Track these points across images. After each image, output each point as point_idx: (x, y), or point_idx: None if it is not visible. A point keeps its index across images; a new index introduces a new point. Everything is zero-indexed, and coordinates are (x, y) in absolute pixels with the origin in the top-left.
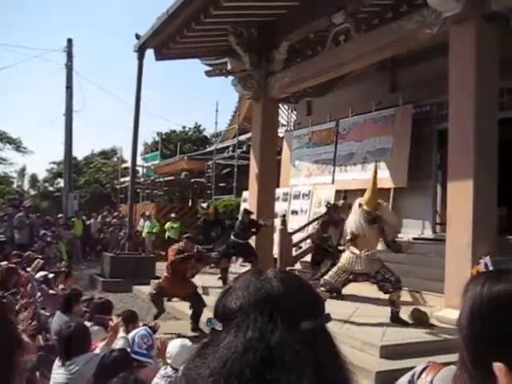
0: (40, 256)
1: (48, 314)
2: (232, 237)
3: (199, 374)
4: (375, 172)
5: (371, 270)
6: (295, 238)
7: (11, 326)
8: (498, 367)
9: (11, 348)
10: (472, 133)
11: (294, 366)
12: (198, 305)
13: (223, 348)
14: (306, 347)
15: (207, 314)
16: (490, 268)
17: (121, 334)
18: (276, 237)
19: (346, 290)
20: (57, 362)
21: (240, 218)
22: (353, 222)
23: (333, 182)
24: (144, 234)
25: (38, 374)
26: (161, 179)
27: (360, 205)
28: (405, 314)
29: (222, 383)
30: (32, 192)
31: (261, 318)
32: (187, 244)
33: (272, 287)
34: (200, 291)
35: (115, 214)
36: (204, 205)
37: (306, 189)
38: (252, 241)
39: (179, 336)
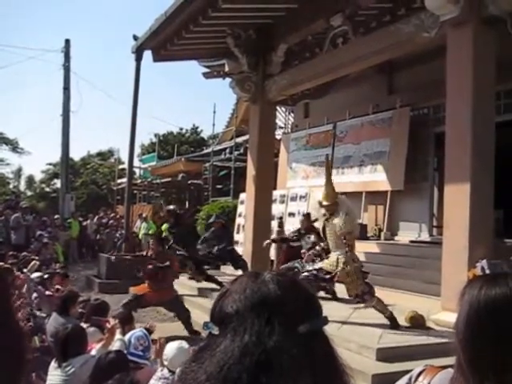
0: (36, 257)
1: (44, 315)
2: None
3: (195, 378)
4: (328, 165)
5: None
6: None
7: (16, 319)
8: None
9: (19, 338)
10: (469, 136)
11: (291, 370)
12: (181, 312)
13: (220, 352)
14: (303, 351)
15: (205, 317)
16: (487, 271)
17: (117, 336)
18: None
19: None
20: (53, 364)
21: (212, 228)
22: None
23: None
24: (140, 236)
25: (33, 375)
26: (158, 181)
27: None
28: (401, 316)
29: None
30: (28, 193)
31: (258, 322)
32: (154, 245)
33: (269, 290)
34: (195, 292)
35: (112, 215)
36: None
37: (303, 191)
38: (249, 243)
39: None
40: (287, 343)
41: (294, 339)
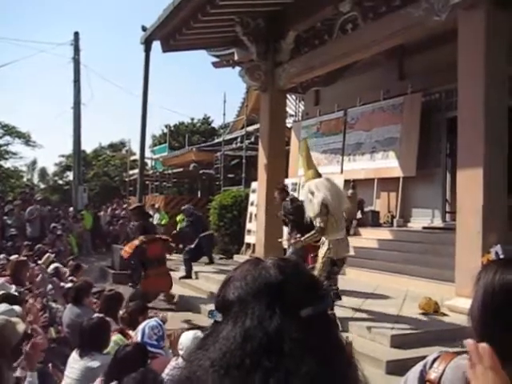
0: (50, 249)
1: (59, 306)
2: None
3: (200, 365)
4: (306, 148)
5: None
6: None
7: None
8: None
9: None
10: (482, 120)
11: (294, 354)
12: None
13: (222, 339)
14: (305, 334)
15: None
16: (501, 256)
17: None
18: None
19: (355, 280)
20: (74, 355)
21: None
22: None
23: (341, 172)
24: None
25: (50, 365)
26: (169, 171)
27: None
28: (415, 302)
29: (222, 373)
30: (42, 185)
31: (259, 307)
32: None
33: (270, 275)
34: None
35: (124, 206)
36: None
37: None
38: (261, 231)
39: (192, 328)
40: (289, 327)
41: (296, 323)
